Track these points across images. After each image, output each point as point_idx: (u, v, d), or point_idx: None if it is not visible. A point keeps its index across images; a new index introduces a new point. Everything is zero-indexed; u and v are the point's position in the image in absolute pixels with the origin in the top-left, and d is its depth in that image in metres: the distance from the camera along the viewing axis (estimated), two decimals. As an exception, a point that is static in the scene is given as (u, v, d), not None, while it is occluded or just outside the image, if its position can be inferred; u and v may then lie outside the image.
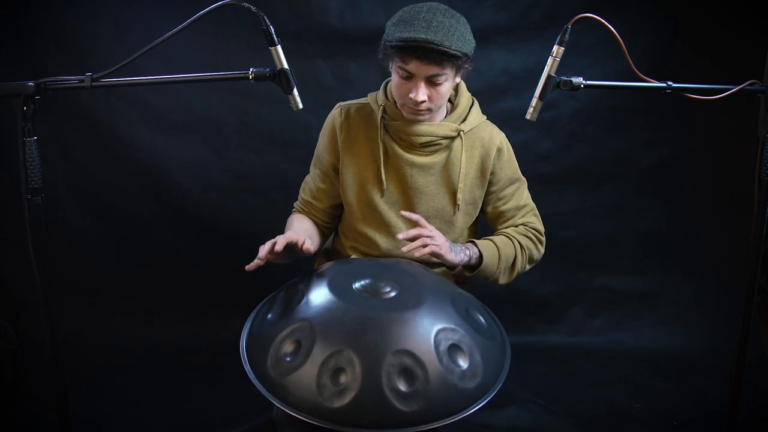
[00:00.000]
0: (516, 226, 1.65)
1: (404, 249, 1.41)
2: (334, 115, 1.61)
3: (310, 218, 1.68)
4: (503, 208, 1.65)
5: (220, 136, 2.47)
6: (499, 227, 1.67)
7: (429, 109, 1.47)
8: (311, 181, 1.69)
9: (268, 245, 1.33)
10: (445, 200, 1.59)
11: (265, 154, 2.49)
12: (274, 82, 1.28)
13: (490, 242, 1.57)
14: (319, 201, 1.67)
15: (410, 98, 1.42)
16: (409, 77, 1.41)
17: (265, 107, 2.44)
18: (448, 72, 1.41)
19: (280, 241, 1.34)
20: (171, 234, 2.53)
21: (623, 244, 2.63)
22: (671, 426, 2.09)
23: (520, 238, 1.61)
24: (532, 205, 1.69)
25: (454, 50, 1.35)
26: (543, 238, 1.67)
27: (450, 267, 1.55)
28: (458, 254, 1.49)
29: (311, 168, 1.70)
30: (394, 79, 1.46)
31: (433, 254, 1.42)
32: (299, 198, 1.73)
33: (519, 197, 1.66)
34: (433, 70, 1.38)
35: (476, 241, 1.57)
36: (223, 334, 2.43)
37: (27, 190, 1.23)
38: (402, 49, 1.36)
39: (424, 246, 1.40)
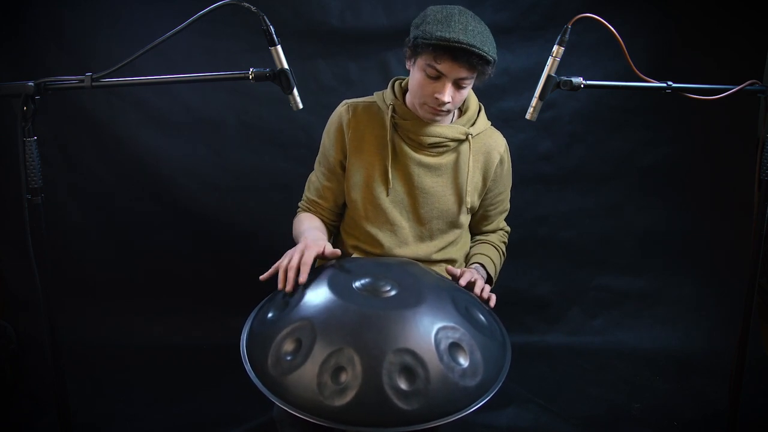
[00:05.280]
0: (497, 230, 1.76)
1: (489, 298, 1.41)
2: (341, 112, 1.60)
3: (317, 217, 1.67)
4: (492, 212, 1.72)
5: (220, 136, 2.47)
6: (483, 228, 1.75)
7: (448, 111, 1.49)
8: (317, 180, 1.67)
9: (302, 271, 1.27)
10: (450, 202, 1.60)
11: (265, 154, 2.48)
12: (274, 82, 1.28)
13: (490, 260, 1.65)
14: (325, 200, 1.66)
15: (435, 98, 1.43)
16: (437, 77, 1.41)
17: (265, 107, 2.44)
18: (475, 76, 1.42)
19: (308, 259, 1.29)
20: (171, 234, 2.53)
21: (623, 244, 2.63)
22: (671, 426, 2.09)
23: (502, 246, 1.74)
24: (509, 207, 1.78)
25: (491, 55, 1.37)
26: (507, 239, 1.80)
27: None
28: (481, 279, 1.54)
29: (316, 166, 1.69)
30: (418, 77, 1.44)
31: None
32: (304, 197, 1.71)
33: (505, 203, 1.74)
34: (463, 73, 1.38)
35: (482, 263, 1.64)
36: (223, 334, 2.42)
37: (27, 190, 1.22)
38: (439, 48, 1.35)
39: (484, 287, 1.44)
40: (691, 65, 2.38)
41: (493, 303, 1.40)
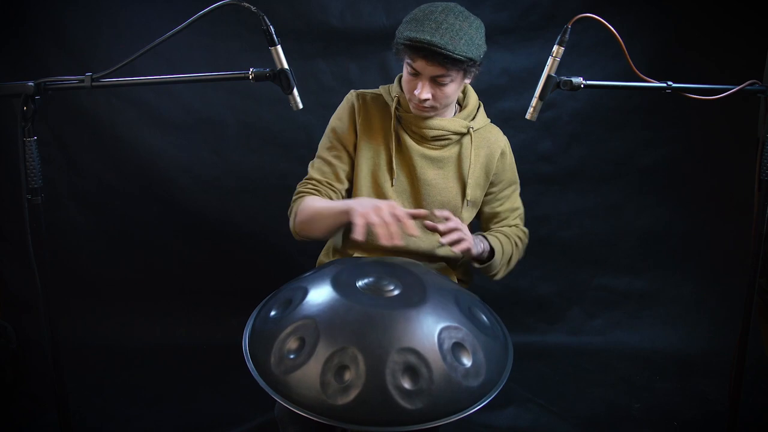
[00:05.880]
0: (509, 227, 1.71)
1: (443, 240, 1.40)
2: (352, 98, 1.61)
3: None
4: (500, 209, 1.70)
5: (220, 136, 2.47)
6: (492, 227, 1.72)
7: (433, 107, 1.50)
8: (328, 166, 1.60)
9: (405, 224, 1.28)
10: (452, 194, 1.61)
11: (265, 154, 2.49)
12: (274, 82, 1.28)
13: (496, 238, 1.61)
14: (341, 182, 1.60)
15: (415, 94, 1.46)
16: (416, 74, 1.45)
17: (265, 107, 2.44)
18: (453, 74, 1.43)
19: (399, 211, 1.29)
20: (171, 234, 2.53)
21: (623, 244, 2.64)
22: (671, 426, 2.09)
23: (516, 238, 1.68)
24: (522, 208, 1.75)
25: (457, 54, 1.36)
26: (527, 240, 1.73)
27: (468, 259, 1.58)
28: (477, 246, 1.52)
29: (325, 154, 1.61)
30: (404, 73, 1.50)
31: (464, 250, 1.44)
32: (311, 181, 1.60)
33: (514, 200, 1.72)
34: (438, 71, 1.41)
35: (486, 235, 1.61)
36: (223, 334, 2.43)
37: (27, 190, 1.22)
38: (409, 47, 1.40)
39: (460, 240, 1.42)
40: (691, 65, 2.39)
41: (458, 249, 1.41)
